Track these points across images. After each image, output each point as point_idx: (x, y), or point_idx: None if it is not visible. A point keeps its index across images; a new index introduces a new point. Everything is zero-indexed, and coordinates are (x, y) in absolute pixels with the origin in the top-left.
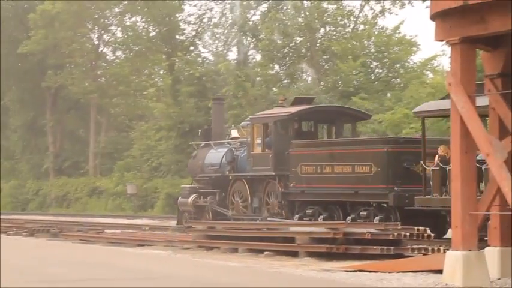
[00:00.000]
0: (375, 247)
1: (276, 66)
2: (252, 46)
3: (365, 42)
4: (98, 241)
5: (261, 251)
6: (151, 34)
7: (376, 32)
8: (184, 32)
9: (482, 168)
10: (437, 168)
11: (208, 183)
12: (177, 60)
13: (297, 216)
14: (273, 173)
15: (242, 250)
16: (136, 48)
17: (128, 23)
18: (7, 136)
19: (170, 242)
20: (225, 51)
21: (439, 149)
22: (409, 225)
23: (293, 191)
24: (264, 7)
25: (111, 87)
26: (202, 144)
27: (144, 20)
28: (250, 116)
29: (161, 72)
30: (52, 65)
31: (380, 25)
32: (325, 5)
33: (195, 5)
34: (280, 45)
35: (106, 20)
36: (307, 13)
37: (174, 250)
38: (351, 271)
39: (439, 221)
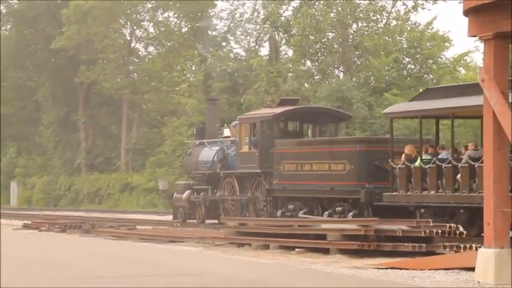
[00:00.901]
0: (406, 244)
1: (308, 62)
2: (283, 42)
3: (397, 37)
4: (130, 237)
5: (292, 248)
6: (183, 30)
7: (408, 28)
8: (217, 27)
9: None
10: (403, 166)
11: (202, 179)
12: (209, 55)
13: (280, 211)
14: (259, 171)
15: (273, 247)
16: (169, 44)
17: (160, 19)
18: (40, 132)
19: (201, 239)
20: (256, 47)
21: (405, 148)
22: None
23: (276, 188)
24: (296, 2)
25: (143, 82)
26: (197, 143)
27: (176, 15)
28: (238, 116)
29: (193, 68)
30: (85, 60)
31: (412, 20)
32: (357, 0)
33: (227, 1)
34: (312, 41)
35: (138, 16)
36: (340, 8)
37: (205, 247)
38: (382, 268)
39: (409, 217)
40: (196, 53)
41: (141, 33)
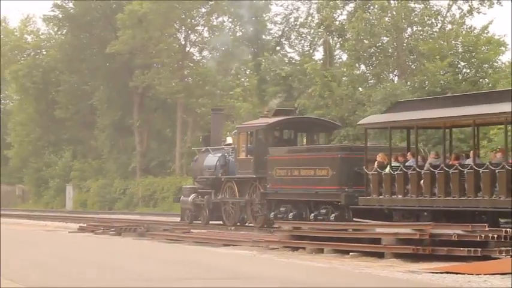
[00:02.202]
0: (461, 249)
1: (362, 66)
2: (338, 46)
3: (452, 41)
4: (184, 241)
5: (347, 252)
6: (237, 34)
7: (463, 32)
8: (271, 31)
9: None
10: (376, 172)
11: (206, 183)
12: (263, 60)
13: (272, 213)
14: (254, 176)
15: (328, 251)
16: (223, 48)
17: (214, 23)
18: (95, 136)
19: (256, 242)
20: (311, 51)
21: (377, 156)
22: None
23: (270, 191)
24: (350, 7)
25: (197, 87)
26: (202, 149)
27: (230, 20)
28: (237, 126)
29: (247, 72)
30: (139, 65)
31: (468, 24)
32: (412, 4)
33: (281, 5)
34: (366, 45)
35: (193, 20)
36: (394, 13)
37: (260, 250)
38: (437, 273)
39: (386, 219)
40: (250, 57)
41: (195, 37)
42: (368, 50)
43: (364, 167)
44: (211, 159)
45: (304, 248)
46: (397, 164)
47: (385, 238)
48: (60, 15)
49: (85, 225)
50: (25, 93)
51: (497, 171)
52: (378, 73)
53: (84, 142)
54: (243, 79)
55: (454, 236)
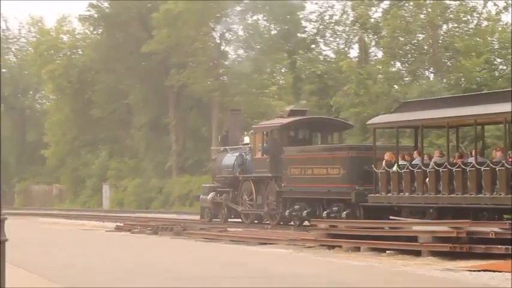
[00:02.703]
0: (499, 246)
1: (398, 64)
2: (373, 43)
3: (488, 38)
4: (221, 239)
5: (383, 250)
6: (272, 32)
7: (499, 28)
8: (306, 29)
9: None
10: (384, 171)
11: (225, 182)
12: (298, 58)
13: (287, 211)
14: (270, 175)
15: (364, 249)
16: (258, 47)
17: (249, 22)
18: (131, 135)
19: (292, 241)
20: (346, 49)
21: (385, 155)
22: (370, 219)
23: (285, 190)
24: (385, 4)
25: (233, 85)
26: (221, 149)
27: (265, 18)
28: (253, 126)
29: (282, 70)
30: (175, 63)
31: (504, 21)
32: (447, 1)
33: (316, 3)
34: (402, 43)
35: (228, 19)
36: (430, 10)
37: (296, 249)
38: (475, 271)
39: (393, 215)
40: (286, 55)
41: (230, 36)
42: (403, 47)
43: (373, 166)
44: (230, 158)
45: (340, 246)
46: (404, 163)
47: (421, 236)
48: (96, 15)
49: (122, 224)
50: (61, 92)
51: (497, 169)
52: (413, 70)
53: (120, 141)
54: (278, 77)
55: (492, 234)
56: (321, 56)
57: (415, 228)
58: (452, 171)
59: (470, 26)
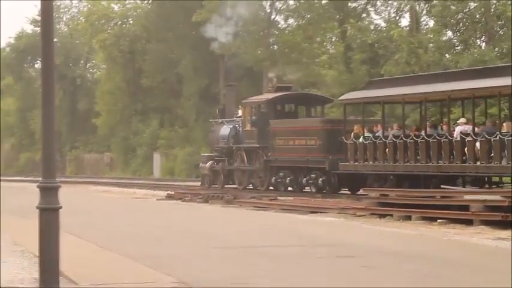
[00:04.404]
0: None
1: (449, 33)
2: (424, 12)
3: None
4: (271, 208)
5: (434, 219)
6: (323, 1)
7: None
8: None
9: None
10: (352, 142)
11: (222, 152)
12: (349, 27)
13: (274, 178)
14: (257, 145)
15: (415, 218)
16: (309, 16)
17: None
18: (181, 104)
19: (343, 210)
20: (397, 18)
21: (354, 127)
22: (343, 186)
23: (271, 159)
24: None
25: (283, 55)
26: (219, 121)
27: None
28: (242, 101)
29: (333, 40)
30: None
31: None
32: None
33: None
34: (453, 11)
35: None
36: None
37: (347, 217)
38: None
39: (360, 182)
40: (336, 25)
41: (281, 5)
42: (455, 16)
43: (343, 137)
44: (225, 130)
45: (391, 215)
46: (369, 135)
47: (473, 205)
48: None
49: (173, 192)
50: (112, 62)
51: (442, 140)
52: (465, 39)
53: (171, 110)
54: (328, 46)
55: None
56: (371, 25)
57: (467, 197)
58: (407, 143)
59: None
